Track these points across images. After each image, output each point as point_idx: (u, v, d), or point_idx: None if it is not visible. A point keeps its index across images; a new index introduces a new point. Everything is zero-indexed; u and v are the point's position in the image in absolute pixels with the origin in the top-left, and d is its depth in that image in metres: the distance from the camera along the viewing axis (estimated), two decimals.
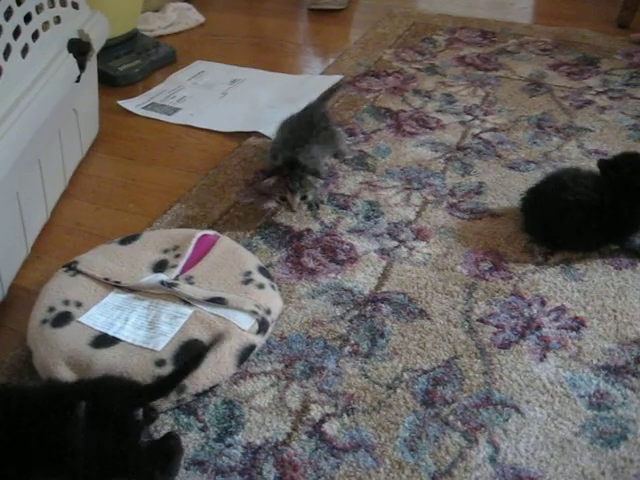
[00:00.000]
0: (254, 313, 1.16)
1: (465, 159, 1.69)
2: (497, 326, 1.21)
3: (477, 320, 1.22)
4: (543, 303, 1.25)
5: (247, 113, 1.97)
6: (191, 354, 1.06)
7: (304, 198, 1.44)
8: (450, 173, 1.64)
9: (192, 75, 2.23)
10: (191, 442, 1.02)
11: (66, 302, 1.19)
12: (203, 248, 1.32)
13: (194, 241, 1.32)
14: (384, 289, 1.30)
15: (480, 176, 1.63)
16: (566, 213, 1.34)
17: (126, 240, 1.35)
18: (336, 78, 2.11)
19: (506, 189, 1.57)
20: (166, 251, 1.31)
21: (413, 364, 1.14)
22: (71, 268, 1.27)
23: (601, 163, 1.40)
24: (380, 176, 1.64)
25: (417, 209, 1.52)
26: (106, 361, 1.07)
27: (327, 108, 1.78)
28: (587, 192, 1.33)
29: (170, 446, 0.99)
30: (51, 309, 1.18)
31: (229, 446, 1.01)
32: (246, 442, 1.02)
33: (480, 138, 1.78)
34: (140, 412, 0.96)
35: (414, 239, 1.43)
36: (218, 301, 1.17)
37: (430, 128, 1.84)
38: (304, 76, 2.21)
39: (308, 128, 1.55)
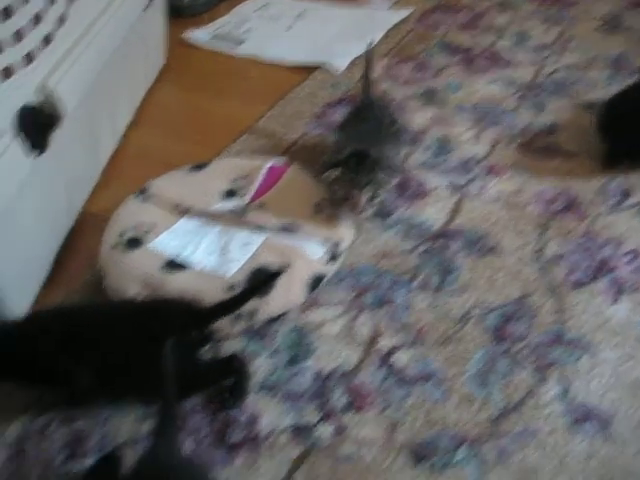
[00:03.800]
0: (325, 242, 1.16)
1: (538, 98, 1.64)
2: (569, 267, 1.18)
3: (548, 260, 1.20)
4: (617, 245, 1.22)
5: (313, 46, 1.93)
6: (256, 281, 1.07)
7: (373, 199, 1.22)
8: (522, 111, 1.60)
9: (257, 7, 2.19)
10: (261, 367, 1.03)
11: (137, 227, 1.20)
12: (273, 177, 1.31)
13: (264, 171, 1.32)
14: (454, 225, 1.28)
15: (553, 115, 1.58)
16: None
17: (196, 168, 1.35)
18: (404, 13, 2.06)
19: (580, 129, 1.52)
20: (235, 180, 1.31)
21: (483, 300, 1.13)
22: (142, 193, 1.27)
23: None
24: (450, 112, 1.60)
25: (488, 147, 1.48)
26: (177, 285, 1.08)
27: (387, 100, 1.57)
28: None
29: (235, 367, 0.99)
30: (122, 234, 1.19)
31: (298, 372, 1.02)
32: (316, 368, 1.03)
33: (554, 77, 1.73)
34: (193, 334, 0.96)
35: (486, 176, 1.40)
36: (289, 229, 1.17)
37: (502, 65, 1.78)
38: (372, 10, 2.15)
39: (376, 124, 1.31)
